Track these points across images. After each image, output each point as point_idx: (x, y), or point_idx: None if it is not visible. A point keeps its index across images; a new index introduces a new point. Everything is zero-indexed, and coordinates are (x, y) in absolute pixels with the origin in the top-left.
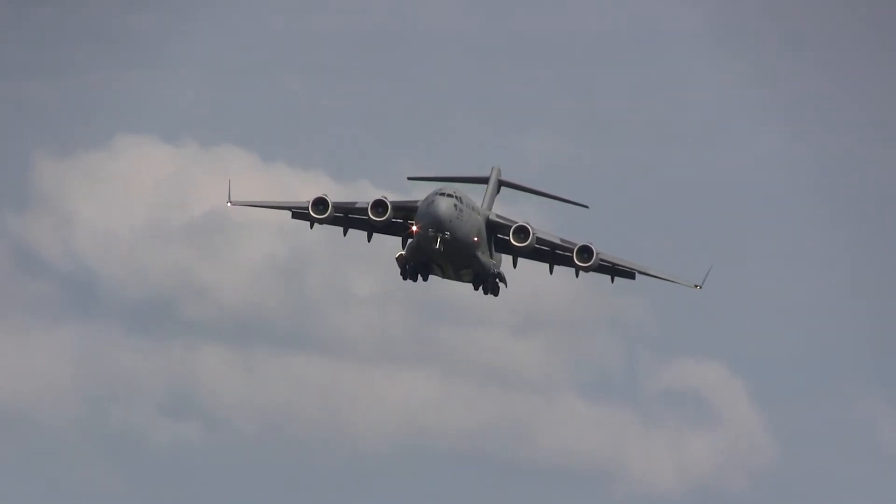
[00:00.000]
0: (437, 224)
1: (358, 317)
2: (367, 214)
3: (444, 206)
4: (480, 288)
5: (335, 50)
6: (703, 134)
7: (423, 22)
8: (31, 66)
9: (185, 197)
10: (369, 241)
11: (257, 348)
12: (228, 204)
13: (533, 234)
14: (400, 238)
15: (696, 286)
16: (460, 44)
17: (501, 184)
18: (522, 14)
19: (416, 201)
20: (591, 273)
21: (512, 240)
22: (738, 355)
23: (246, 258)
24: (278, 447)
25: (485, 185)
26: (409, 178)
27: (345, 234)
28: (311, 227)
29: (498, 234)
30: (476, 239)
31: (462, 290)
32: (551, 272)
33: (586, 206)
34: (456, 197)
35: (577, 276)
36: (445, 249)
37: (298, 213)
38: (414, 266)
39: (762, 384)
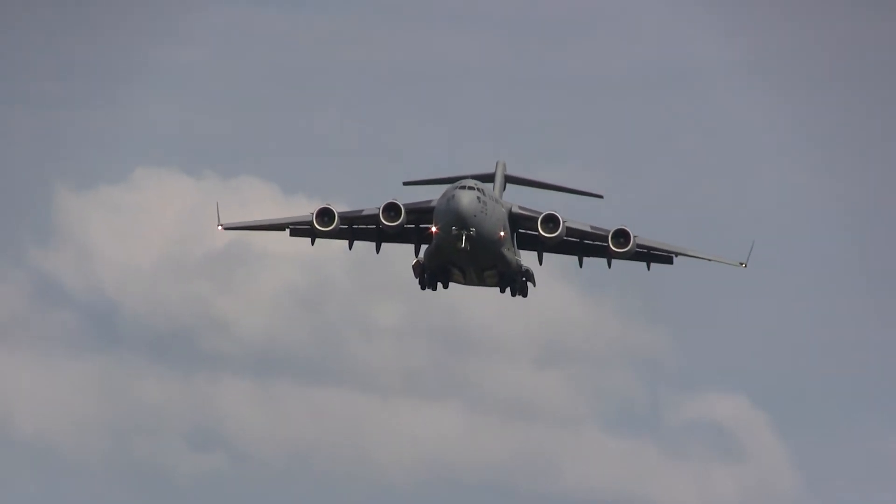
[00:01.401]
0: (460, 221)
1: (382, 347)
2: (377, 222)
3: (467, 199)
4: (507, 290)
5: (356, 84)
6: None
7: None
8: (52, 97)
9: (206, 229)
10: (378, 251)
11: (279, 380)
12: (219, 228)
13: (563, 223)
14: (412, 246)
15: (742, 264)
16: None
17: (508, 179)
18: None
19: (430, 201)
20: (624, 262)
21: (541, 231)
22: (763, 386)
23: (267, 288)
24: (299, 480)
25: (489, 184)
26: (406, 183)
27: (350, 247)
28: (313, 242)
29: (521, 229)
30: (502, 234)
31: (487, 300)
32: (581, 265)
33: (601, 196)
34: (478, 189)
35: (609, 266)
36: (471, 248)
37: (298, 230)
38: (433, 273)
39: (789, 415)
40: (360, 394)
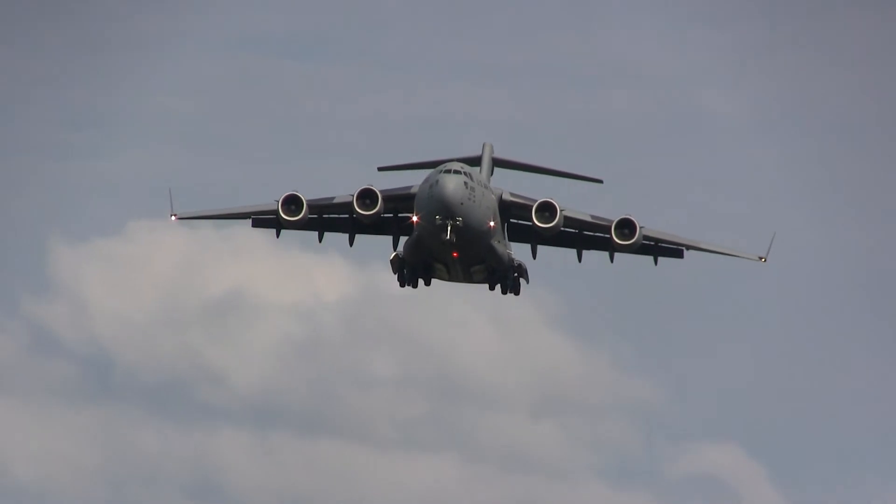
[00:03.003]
0: (445, 209)
1: (379, 399)
2: (350, 210)
3: (453, 185)
4: (498, 287)
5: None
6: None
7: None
8: (47, 148)
9: (200, 280)
10: (351, 244)
11: (275, 431)
12: (173, 218)
13: (561, 211)
14: (390, 238)
15: (761, 258)
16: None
17: (496, 163)
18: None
19: (411, 187)
20: (628, 256)
21: (536, 221)
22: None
23: (263, 339)
24: None
25: (476, 168)
26: (380, 169)
27: (320, 240)
28: (278, 234)
29: (512, 218)
30: (492, 224)
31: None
32: (580, 259)
33: (600, 181)
34: (465, 173)
35: (612, 260)
36: (458, 240)
37: (261, 220)
38: (413, 268)
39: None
40: (357, 445)
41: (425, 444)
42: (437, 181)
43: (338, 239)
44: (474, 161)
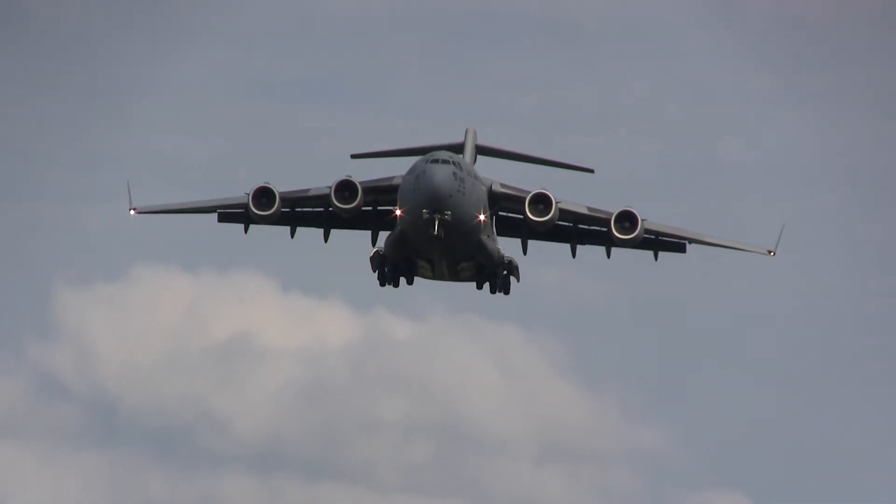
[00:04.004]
0: (433, 201)
1: (386, 444)
2: (327, 203)
3: (441, 175)
4: (486, 285)
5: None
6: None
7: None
8: (50, 193)
9: (205, 325)
10: (326, 240)
11: (280, 477)
12: (132, 212)
13: (556, 204)
14: (370, 233)
15: (770, 252)
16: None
17: (479, 150)
18: None
19: (393, 178)
20: (626, 250)
21: (530, 214)
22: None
23: (267, 384)
24: None
25: (460, 156)
26: (353, 156)
27: (293, 235)
28: (247, 230)
29: (501, 211)
30: (482, 218)
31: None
32: (574, 254)
33: (591, 171)
34: (453, 163)
35: (608, 255)
36: (446, 235)
37: (229, 215)
38: (395, 265)
39: None
40: (361, 490)
41: (422, 487)
42: (424, 171)
43: (311, 235)
44: (457, 148)
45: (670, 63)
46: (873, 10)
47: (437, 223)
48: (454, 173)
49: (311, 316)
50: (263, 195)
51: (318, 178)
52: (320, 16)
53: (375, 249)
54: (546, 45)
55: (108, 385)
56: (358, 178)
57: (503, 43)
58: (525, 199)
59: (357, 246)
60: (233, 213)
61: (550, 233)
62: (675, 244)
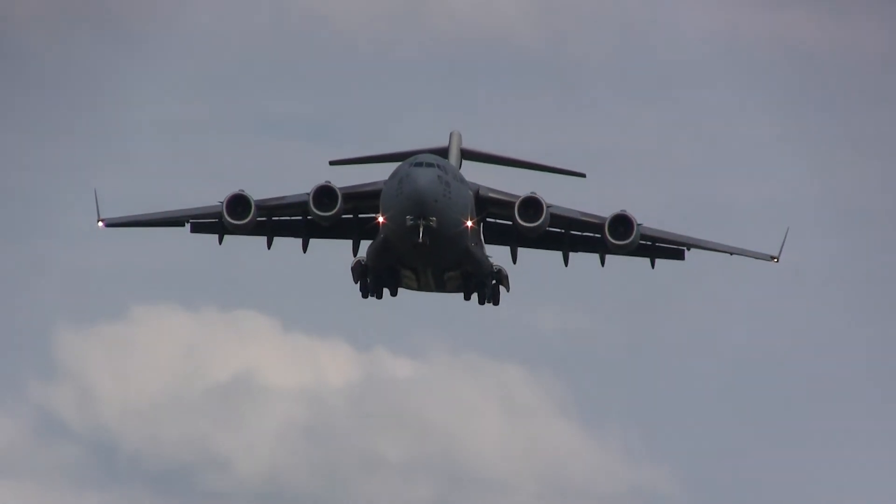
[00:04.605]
0: (417, 207)
1: (387, 484)
2: (305, 211)
3: (426, 179)
4: (474, 296)
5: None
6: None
7: None
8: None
9: (207, 365)
10: (305, 250)
11: None
12: (100, 224)
13: (546, 209)
14: (351, 242)
15: (773, 258)
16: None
17: (465, 154)
18: None
19: (375, 183)
20: (621, 258)
21: (519, 219)
22: None
23: (269, 425)
24: None
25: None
26: (332, 163)
27: (269, 246)
28: (221, 240)
29: (489, 217)
30: (469, 224)
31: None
32: (566, 262)
33: (583, 175)
34: (438, 166)
35: (602, 263)
36: (431, 243)
37: (202, 225)
38: (378, 276)
39: None
40: None
41: None
42: (407, 174)
43: (289, 245)
44: (440, 153)
45: (676, 102)
46: (884, 49)
47: (421, 230)
48: (439, 177)
49: (312, 353)
50: (238, 203)
51: (295, 187)
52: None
53: (357, 259)
54: (547, 85)
55: (107, 424)
56: (337, 185)
57: (502, 79)
58: (514, 203)
59: (338, 256)
60: (206, 224)
61: (541, 240)
62: (674, 251)
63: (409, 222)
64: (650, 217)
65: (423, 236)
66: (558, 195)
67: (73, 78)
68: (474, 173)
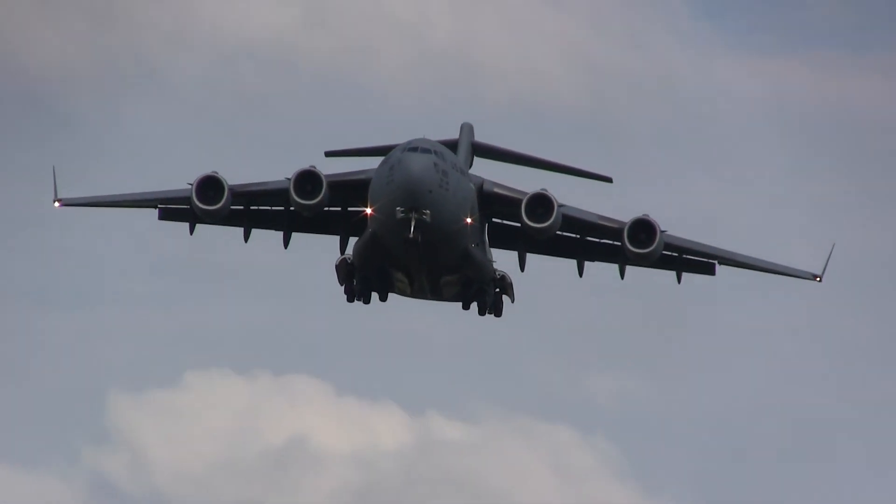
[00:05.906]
0: (409, 197)
1: None
2: (286, 200)
3: (420, 166)
4: (474, 306)
5: None
6: None
7: None
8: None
9: (259, 429)
10: (286, 245)
11: None
12: (56, 204)
13: (558, 208)
14: (338, 237)
15: (816, 278)
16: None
17: (476, 149)
18: None
19: (366, 171)
20: (644, 270)
21: (527, 219)
22: None
23: (321, 490)
24: None
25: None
26: (328, 154)
27: (246, 239)
28: (192, 230)
29: (495, 217)
30: (469, 221)
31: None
32: (581, 273)
33: (609, 180)
34: (434, 152)
35: (622, 276)
36: (424, 240)
37: (171, 211)
38: (366, 277)
39: None
40: None
41: None
42: (399, 161)
43: (269, 238)
44: (449, 146)
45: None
46: None
47: (413, 224)
48: (435, 164)
49: (364, 417)
50: (209, 187)
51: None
52: None
53: (343, 257)
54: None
55: (161, 491)
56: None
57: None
58: (521, 201)
59: (323, 253)
60: (175, 210)
61: (553, 245)
62: (703, 264)
63: (400, 214)
64: (681, 228)
65: (414, 231)
66: (580, 202)
67: None
68: (486, 171)
